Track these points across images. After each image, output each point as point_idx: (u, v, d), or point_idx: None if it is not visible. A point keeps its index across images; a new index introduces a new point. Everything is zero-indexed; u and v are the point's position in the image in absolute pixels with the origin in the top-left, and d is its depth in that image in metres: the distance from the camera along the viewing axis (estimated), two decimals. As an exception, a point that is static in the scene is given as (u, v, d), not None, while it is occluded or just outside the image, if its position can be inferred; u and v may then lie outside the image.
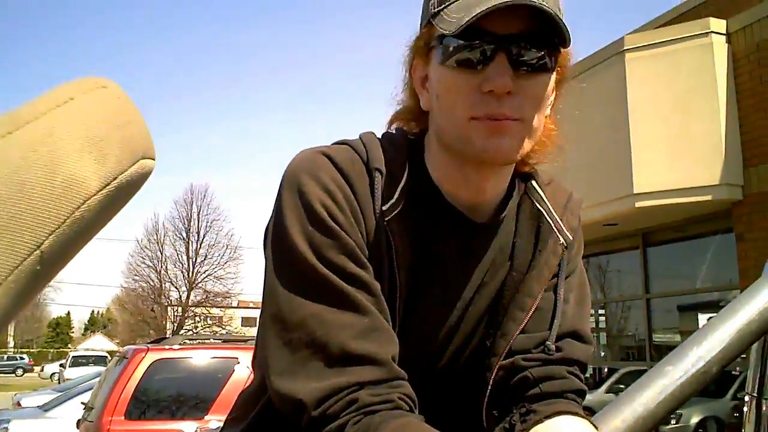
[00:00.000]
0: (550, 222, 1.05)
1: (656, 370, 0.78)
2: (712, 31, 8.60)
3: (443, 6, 0.90)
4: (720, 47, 8.59)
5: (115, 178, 0.50)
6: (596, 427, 0.84)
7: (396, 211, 0.93)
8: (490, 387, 1.01)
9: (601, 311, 11.78)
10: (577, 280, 1.09)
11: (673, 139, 8.38)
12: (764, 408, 1.41)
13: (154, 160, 0.55)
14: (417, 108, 1.02)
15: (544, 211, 1.05)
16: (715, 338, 0.83)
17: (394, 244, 0.93)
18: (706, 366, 0.81)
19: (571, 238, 1.06)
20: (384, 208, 0.93)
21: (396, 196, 0.94)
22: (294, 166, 0.95)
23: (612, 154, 8.72)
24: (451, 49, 0.89)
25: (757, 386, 1.42)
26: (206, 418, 5.93)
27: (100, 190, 0.49)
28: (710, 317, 0.86)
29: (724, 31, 8.69)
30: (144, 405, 6.05)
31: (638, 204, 8.49)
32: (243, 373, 5.98)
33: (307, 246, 0.88)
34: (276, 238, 0.92)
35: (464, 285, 1.02)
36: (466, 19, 0.83)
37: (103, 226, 0.52)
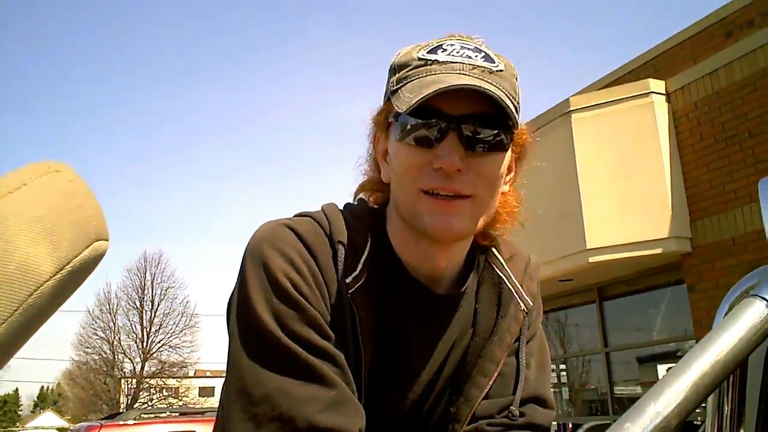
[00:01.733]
0: (511, 288, 1.07)
1: (616, 427, 0.80)
2: (653, 92, 8.97)
3: (400, 85, 0.94)
4: (660, 106, 8.96)
5: (68, 262, 0.50)
6: None
7: (359, 283, 0.94)
8: None
9: (562, 366, 11.79)
10: (537, 344, 1.11)
11: (621, 195, 8.61)
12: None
13: (107, 240, 0.55)
14: (380, 179, 1.04)
15: (504, 278, 1.07)
16: (671, 393, 0.84)
17: (358, 315, 0.93)
18: (665, 421, 0.83)
19: (531, 303, 1.08)
20: (347, 280, 0.93)
21: (359, 268, 0.95)
22: (257, 239, 0.94)
23: (564, 210, 8.90)
24: (407, 126, 0.93)
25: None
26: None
27: (54, 275, 0.49)
28: (669, 368, 0.89)
29: (664, 91, 9.06)
30: (99, 485, 5.80)
31: (592, 259, 8.65)
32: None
33: (272, 318, 0.88)
34: (240, 310, 0.91)
35: (427, 355, 1.02)
36: (417, 98, 0.87)
37: (56, 309, 0.52)
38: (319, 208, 1.02)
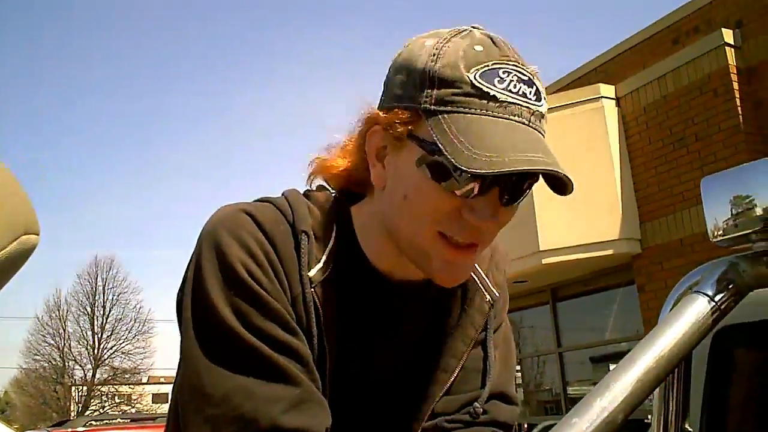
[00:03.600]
0: (476, 279, 1.03)
1: (563, 423, 0.80)
2: (603, 96, 9.16)
3: (444, 109, 0.81)
4: (611, 111, 9.15)
5: None
6: None
7: (322, 277, 0.89)
8: None
9: (517, 367, 11.91)
10: (502, 335, 1.09)
11: (573, 198, 8.61)
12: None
13: (38, 234, 0.53)
14: (356, 170, 0.95)
15: None
16: (617, 388, 0.86)
17: (321, 311, 0.88)
18: (611, 416, 0.84)
19: (497, 294, 1.05)
20: (311, 273, 0.88)
21: (323, 260, 0.90)
22: (213, 224, 0.87)
23: (517, 212, 8.97)
24: (444, 167, 0.81)
25: (661, 432, 1.48)
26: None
27: None
28: (616, 365, 0.90)
29: (614, 96, 9.27)
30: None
31: (545, 260, 8.78)
32: (154, 453, 5.69)
33: (231, 312, 0.81)
34: (195, 304, 0.84)
35: (390, 350, 0.98)
36: (485, 170, 0.75)
37: None
38: (281, 194, 0.96)
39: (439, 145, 0.79)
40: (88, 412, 30.59)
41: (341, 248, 0.93)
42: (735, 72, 8.09)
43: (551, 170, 0.77)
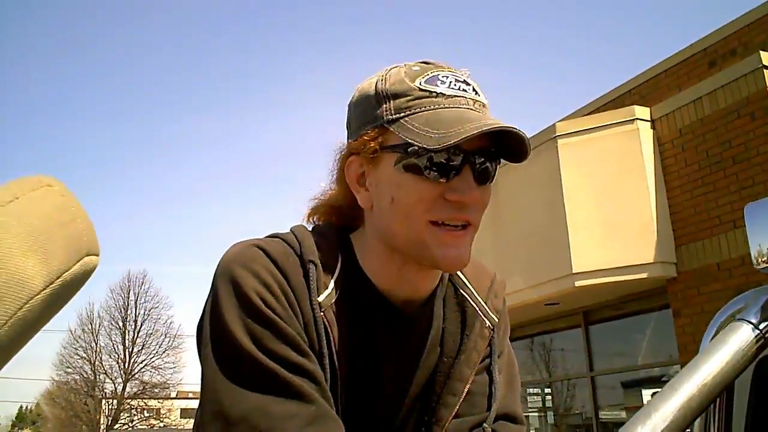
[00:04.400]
0: (475, 306, 1.08)
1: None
2: (638, 118, 9.07)
3: (404, 114, 0.94)
4: (646, 133, 9.05)
5: (59, 276, 0.50)
6: None
7: (331, 302, 0.95)
8: None
9: (547, 390, 11.76)
10: (505, 360, 1.12)
11: (607, 220, 8.67)
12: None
13: (98, 256, 0.55)
14: (346, 203, 1.04)
15: (467, 296, 1.09)
16: (659, 416, 0.85)
17: (331, 334, 0.93)
18: (654, 444, 0.83)
19: (496, 319, 1.09)
20: (320, 299, 0.93)
21: (331, 286, 0.96)
22: (227, 259, 0.94)
23: (551, 235, 8.94)
24: (422, 158, 0.92)
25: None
26: None
27: (44, 288, 0.49)
28: (654, 393, 0.89)
29: (649, 118, 9.17)
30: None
31: (578, 283, 8.67)
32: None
33: (247, 337, 0.87)
34: (213, 331, 0.90)
35: (397, 375, 1.03)
36: (453, 140, 0.87)
37: (45, 323, 0.51)
38: (288, 230, 1.03)
39: (408, 141, 0.90)
40: (117, 426, 30.85)
41: (346, 274, 0.99)
42: (773, 95, 7.96)
43: (506, 127, 0.89)
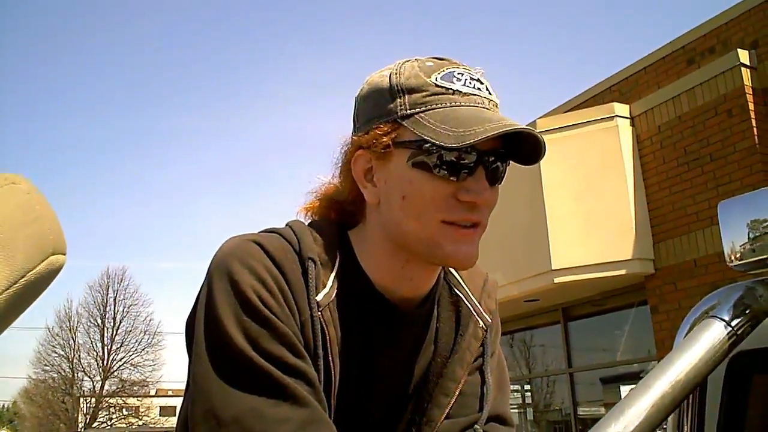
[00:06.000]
0: (469, 306, 1.08)
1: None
2: (617, 115, 9.14)
3: (419, 110, 0.92)
4: (625, 130, 9.13)
5: (23, 276, 0.49)
6: None
7: (329, 301, 0.93)
8: None
9: (527, 387, 11.84)
10: (496, 362, 1.12)
11: (586, 217, 8.73)
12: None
13: (65, 254, 0.54)
14: (350, 198, 1.02)
15: (462, 296, 1.08)
16: (632, 413, 0.85)
17: (328, 333, 0.91)
18: (625, 441, 0.83)
19: (490, 320, 1.09)
20: (318, 297, 0.92)
21: (329, 284, 0.94)
22: (224, 254, 0.92)
23: (530, 231, 8.99)
24: (434, 156, 0.90)
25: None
26: None
27: (7, 289, 0.47)
28: (632, 388, 0.89)
29: (628, 115, 9.25)
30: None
31: (557, 279, 8.73)
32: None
33: (242, 336, 0.85)
34: (207, 329, 0.87)
35: (391, 374, 1.02)
36: (472, 139, 0.85)
37: (10, 323, 0.50)
38: (285, 225, 1.01)
39: (424, 137, 0.89)
40: (95, 424, 30.64)
41: (345, 271, 0.98)
42: (751, 93, 8.05)
43: (526, 128, 0.89)
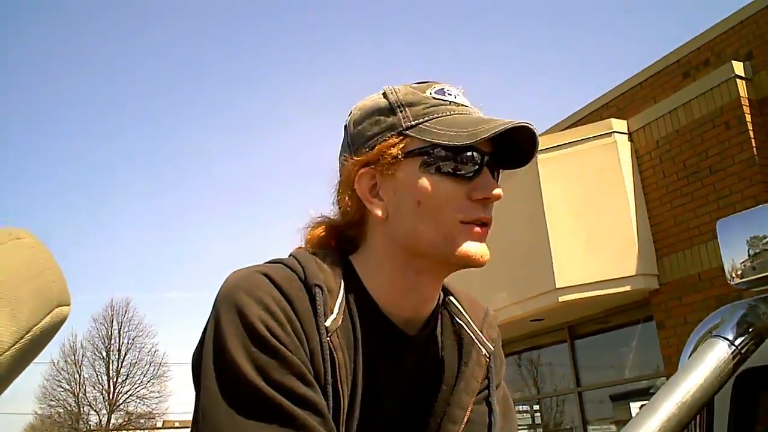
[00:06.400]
0: (471, 334, 1.08)
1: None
2: (615, 131, 9.16)
3: (423, 120, 0.98)
4: (623, 145, 9.14)
5: (28, 331, 0.49)
6: None
7: (337, 326, 0.93)
8: None
9: (536, 407, 11.74)
10: (501, 392, 1.12)
11: (588, 234, 8.71)
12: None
13: (69, 305, 0.54)
14: (353, 219, 1.03)
15: (463, 324, 1.08)
16: None
17: (337, 359, 0.91)
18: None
19: (492, 348, 1.09)
20: (327, 324, 0.92)
21: (336, 311, 0.94)
22: (230, 286, 0.92)
23: (533, 250, 8.97)
24: (446, 159, 0.96)
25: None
26: None
27: (13, 344, 0.47)
28: (641, 405, 0.88)
29: (626, 131, 9.27)
30: None
31: (561, 298, 8.69)
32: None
33: (252, 367, 0.85)
34: (216, 359, 0.87)
35: (399, 399, 1.01)
36: (485, 135, 0.92)
37: (15, 377, 0.50)
38: (289, 255, 1.02)
39: (435, 142, 0.95)
40: (103, 458, 30.37)
41: (351, 296, 0.98)
42: (747, 104, 8.08)
43: (529, 124, 0.95)
